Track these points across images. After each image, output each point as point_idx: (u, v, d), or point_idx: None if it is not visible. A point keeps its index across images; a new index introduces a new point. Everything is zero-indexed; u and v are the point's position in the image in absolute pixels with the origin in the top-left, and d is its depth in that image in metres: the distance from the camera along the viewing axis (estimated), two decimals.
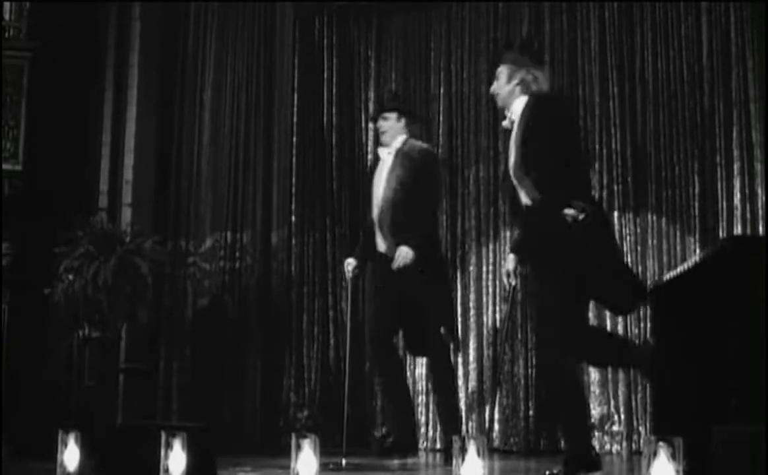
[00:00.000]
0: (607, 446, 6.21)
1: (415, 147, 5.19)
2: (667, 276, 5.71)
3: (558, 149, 3.97)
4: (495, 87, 4.37)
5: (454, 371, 5.45)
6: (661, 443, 2.59)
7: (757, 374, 3.77)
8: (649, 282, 6.24)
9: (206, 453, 3.57)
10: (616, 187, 6.49)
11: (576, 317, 4.01)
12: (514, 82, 4.27)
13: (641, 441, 5.84)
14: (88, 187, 6.34)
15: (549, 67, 6.72)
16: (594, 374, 6.34)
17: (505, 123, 4.30)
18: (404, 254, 4.87)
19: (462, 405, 6.26)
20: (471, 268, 6.61)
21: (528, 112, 4.13)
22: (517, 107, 4.22)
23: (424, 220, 5.04)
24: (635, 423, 6.20)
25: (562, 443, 4.50)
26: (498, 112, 6.75)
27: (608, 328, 6.29)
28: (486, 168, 6.73)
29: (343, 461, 4.77)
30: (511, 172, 4.17)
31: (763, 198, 6.17)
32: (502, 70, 4.35)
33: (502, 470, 4.82)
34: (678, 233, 6.36)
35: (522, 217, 4.16)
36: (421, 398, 6.60)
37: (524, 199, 4.10)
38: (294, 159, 7.00)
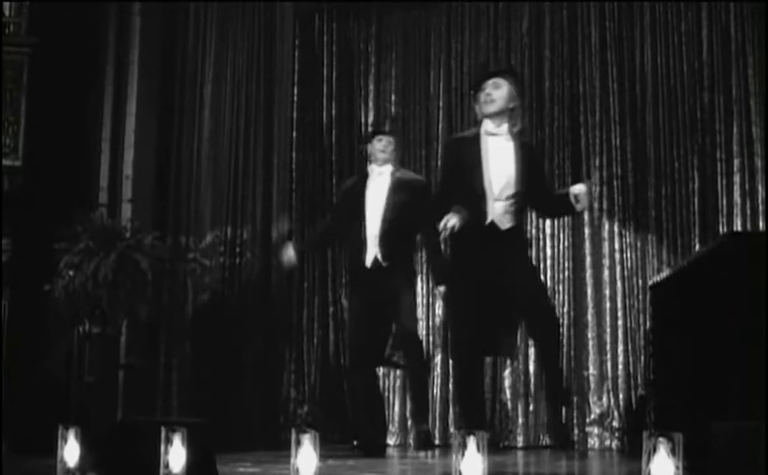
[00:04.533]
0: (607, 442, 6.22)
1: (411, 177, 5.61)
2: (666, 272, 5.71)
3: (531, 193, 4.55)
4: (496, 95, 4.41)
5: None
6: (660, 439, 2.59)
7: (757, 369, 3.77)
8: (648, 278, 6.26)
9: (206, 449, 3.57)
10: (615, 183, 6.50)
11: None
12: (513, 104, 4.50)
13: (641, 437, 5.85)
14: (87, 183, 6.33)
15: (549, 63, 6.75)
16: (593, 370, 6.35)
17: (489, 128, 4.41)
18: None
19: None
20: None
21: (530, 155, 4.52)
22: (505, 128, 4.47)
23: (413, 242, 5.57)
24: (634, 419, 6.20)
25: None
26: None
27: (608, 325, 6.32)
28: None
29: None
30: (498, 189, 4.28)
31: (763, 194, 6.17)
32: (505, 85, 4.44)
33: (502, 465, 4.82)
34: (678, 229, 6.36)
35: (490, 238, 4.34)
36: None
37: (497, 221, 4.33)
38: (294, 155, 7.01)
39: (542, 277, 5.94)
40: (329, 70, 7.14)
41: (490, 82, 4.48)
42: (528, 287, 4.38)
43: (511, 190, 4.36)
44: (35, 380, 5.78)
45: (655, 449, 2.60)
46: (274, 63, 6.94)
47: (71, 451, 3.63)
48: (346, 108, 7.11)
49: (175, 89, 6.77)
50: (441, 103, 6.93)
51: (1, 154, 5.60)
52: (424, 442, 5.35)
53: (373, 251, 5.35)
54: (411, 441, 6.09)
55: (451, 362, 6.11)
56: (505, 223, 4.33)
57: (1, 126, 5.62)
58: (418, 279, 6.08)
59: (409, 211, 5.33)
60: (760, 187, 6.20)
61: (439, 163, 5.94)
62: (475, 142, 4.44)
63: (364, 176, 5.58)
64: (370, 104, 7.11)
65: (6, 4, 5.80)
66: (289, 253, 5.71)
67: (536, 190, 4.55)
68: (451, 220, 4.31)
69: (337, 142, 7.05)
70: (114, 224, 5.90)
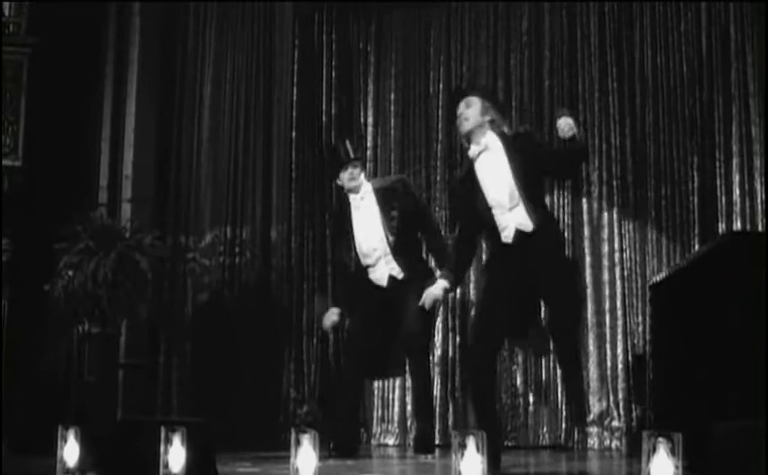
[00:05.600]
0: (607, 442, 6.22)
1: (389, 182, 5.61)
2: (666, 272, 5.71)
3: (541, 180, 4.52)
4: (468, 112, 4.43)
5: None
6: (660, 439, 2.60)
7: (757, 369, 3.77)
8: (648, 278, 6.26)
9: (206, 448, 3.57)
10: (615, 183, 6.49)
11: None
12: (488, 117, 4.44)
13: (640, 437, 5.86)
14: (87, 182, 6.34)
15: (548, 63, 6.75)
16: (593, 369, 6.35)
17: (474, 151, 4.42)
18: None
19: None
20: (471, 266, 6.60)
21: (522, 146, 4.40)
22: (488, 141, 4.40)
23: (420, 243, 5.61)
24: (634, 419, 6.20)
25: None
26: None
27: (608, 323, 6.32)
28: None
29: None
30: (505, 200, 4.27)
31: (763, 194, 6.17)
32: (475, 102, 4.44)
33: (502, 465, 4.82)
34: (678, 229, 6.36)
35: (521, 243, 4.29)
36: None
37: (521, 224, 4.27)
38: (293, 154, 7.00)
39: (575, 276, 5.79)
40: (329, 70, 7.13)
41: (462, 103, 4.48)
42: (553, 289, 4.33)
43: (517, 194, 4.33)
44: (35, 380, 5.78)
45: (655, 449, 2.60)
46: (274, 63, 6.94)
47: (71, 451, 3.63)
48: (346, 108, 7.11)
49: (174, 89, 6.78)
50: (441, 103, 6.92)
51: (1, 154, 5.60)
52: (424, 446, 5.33)
53: (385, 270, 5.35)
54: (411, 442, 6.09)
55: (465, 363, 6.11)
56: (530, 224, 4.30)
57: (1, 126, 5.62)
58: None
59: (407, 217, 5.39)
60: (759, 187, 6.19)
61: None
62: (469, 171, 4.45)
63: (346, 207, 5.55)
64: (370, 104, 7.11)
65: (6, 4, 5.80)
66: (332, 317, 5.55)
67: (546, 168, 4.51)
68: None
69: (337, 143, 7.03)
70: (114, 224, 5.90)
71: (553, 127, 6.58)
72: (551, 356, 6.41)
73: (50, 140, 5.88)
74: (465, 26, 6.94)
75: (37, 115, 5.78)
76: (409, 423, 6.47)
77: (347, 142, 5.71)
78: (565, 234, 6.54)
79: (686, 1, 6.51)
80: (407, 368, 5.55)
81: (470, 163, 4.45)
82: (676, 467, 2.57)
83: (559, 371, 5.54)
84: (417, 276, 5.25)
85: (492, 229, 4.36)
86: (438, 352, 6.59)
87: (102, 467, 3.62)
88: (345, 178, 5.47)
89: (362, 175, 5.53)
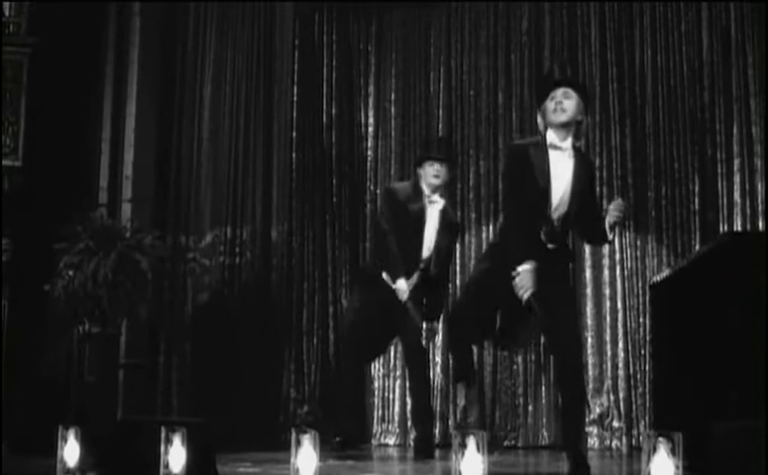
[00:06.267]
0: (607, 442, 6.22)
1: (454, 218, 5.66)
2: (666, 272, 5.71)
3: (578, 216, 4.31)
4: (567, 105, 4.18)
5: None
6: (660, 439, 2.60)
7: (757, 369, 3.77)
8: (648, 278, 6.26)
9: (206, 448, 3.57)
10: (615, 183, 6.50)
11: None
12: (580, 117, 4.25)
13: (641, 437, 5.85)
14: (87, 183, 6.33)
15: (548, 63, 6.74)
16: (593, 370, 6.35)
17: (555, 140, 4.21)
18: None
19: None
20: (471, 262, 6.61)
21: (588, 173, 4.30)
22: (567, 145, 4.22)
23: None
24: (635, 419, 6.20)
25: None
26: (498, 109, 6.79)
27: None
28: (486, 163, 6.74)
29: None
30: (564, 208, 4.18)
31: (763, 194, 6.18)
32: (575, 96, 4.22)
33: (502, 465, 4.83)
34: (678, 229, 6.36)
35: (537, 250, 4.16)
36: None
37: (549, 240, 4.17)
38: (294, 155, 7.00)
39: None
40: (329, 70, 7.13)
41: (560, 91, 4.21)
42: (557, 317, 4.15)
43: (564, 209, 4.17)
44: (35, 380, 5.78)
45: (655, 449, 2.60)
46: (274, 63, 6.94)
47: (71, 451, 3.63)
48: (346, 108, 7.11)
49: (175, 89, 6.77)
50: (441, 103, 6.93)
51: (1, 154, 5.60)
52: (424, 449, 5.31)
53: (408, 284, 5.25)
54: (411, 443, 6.09)
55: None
56: (552, 242, 4.20)
57: (1, 126, 5.62)
58: None
59: (449, 252, 5.55)
60: (760, 187, 6.20)
61: (504, 169, 5.58)
62: (542, 149, 4.20)
63: (419, 194, 5.38)
64: (370, 104, 7.11)
65: (6, 4, 5.80)
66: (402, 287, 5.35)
67: (586, 211, 4.29)
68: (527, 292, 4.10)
69: (337, 142, 7.04)
70: (114, 224, 5.90)
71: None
72: (551, 356, 6.44)
73: (50, 140, 5.88)
74: (465, 26, 6.94)
75: (37, 115, 5.77)
76: (409, 424, 6.47)
77: (444, 139, 5.88)
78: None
79: (686, 1, 6.52)
80: (407, 370, 5.58)
81: (543, 144, 4.22)
82: (677, 467, 2.57)
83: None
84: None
85: (535, 211, 4.16)
86: (439, 351, 6.60)
87: (102, 467, 3.62)
88: (429, 172, 5.31)
89: (445, 181, 5.39)
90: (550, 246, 4.16)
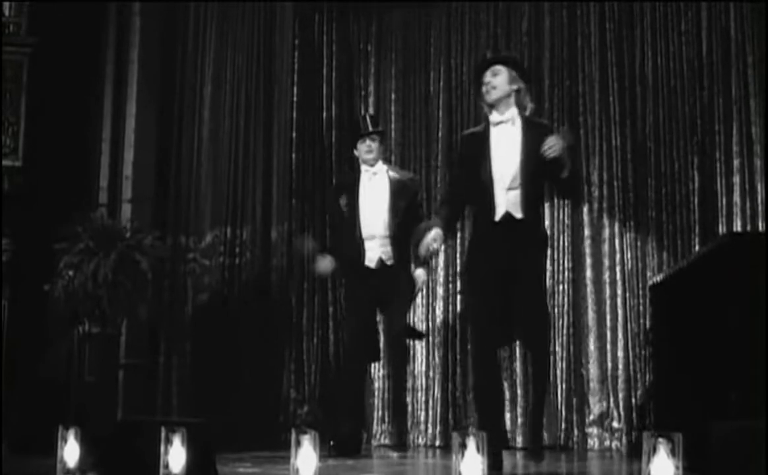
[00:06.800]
0: (607, 442, 6.22)
1: (406, 177, 5.77)
2: (666, 272, 5.72)
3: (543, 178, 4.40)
4: (495, 81, 4.38)
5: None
6: (660, 439, 2.60)
7: (757, 369, 3.77)
8: (648, 278, 6.26)
9: (206, 449, 3.57)
10: (615, 183, 6.50)
11: None
12: (515, 86, 4.41)
13: (641, 437, 5.85)
14: (87, 182, 6.33)
15: (548, 63, 6.75)
16: (593, 370, 6.35)
17: (494, 118, 4.38)
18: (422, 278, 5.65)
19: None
20: None
21: (540, 135, 4.32)
22: (512, 115, 4.37)
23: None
24: (634, 419, 6.20)
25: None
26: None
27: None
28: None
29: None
30: (508, 178, 4.24)
31: (763, 194, 6.17)
32: (503, 71, 4.40)
33: (503, 465, 4.82)
34: (678, 229, 6.36)
35: (508, 227, 4.27)
36: (419, 395, 6.62)
37: (512, 211, 4.25)
38: (294, 155, 7.00)
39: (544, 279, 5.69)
40: (329, 70, 7.14)
41: (488, 71, 4.43)
42: (526, 291, 4.28)
43: (520, 178, 4.26)
44: (35, 380, 5.77)
45: (655, 449, 2.60)
46: (274, 63, 6.94)
47: (71, 451, 3.62)
48: (346, 108, 7.11)
49: (175, 89, 6.77)
50: (441, 103, 6.93)
51: (1, 154, 5.60)
52: (396, 442, 5.46)
53: (378, 252, 5.46)
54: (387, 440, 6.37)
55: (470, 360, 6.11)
56: (518, 212, 4.26)
57: (1, 126, 5.62)
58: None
59: (410, 213, 5.52)
60: (759, 187, 6.20)
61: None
62: (483, 134, 4.39)
63: (356, 175, 5.68)
64: (370, 104, 7.10)
65: (6, 4, 5.80)
66: (325, 263, 5.75)
67: (546, 172, 4.36)
68: (434, 244, 4.31)
69: (337, 142, 7.04)
70: (114, 224, 5.90)
71: (553, 127, 6.65)
72: (550, 356, 6.43)
73: (50, 140, 5.88)
74: (465, 26, 6.94)
75: (37, 115, 5.77)
76: (409, 424, 6.48)
77: (368, 115, 5.92)
78: (566, 234, 6.55)
79: (686, 1, 6.52)
80: (386, 355, 5.75)
81: (486, 128, 4.40)
82: (677, 467, 2.57)
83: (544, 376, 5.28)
84: (405, 266, 5.47)
85: (486, 203, 4.30)
86: (439, 353, 6.61)
87: (102, 467, 3.61)
88: (362, 149, 5.61)
89: (379, 152, 5.64)
90: (518, 216, 4.26)
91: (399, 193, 5.56)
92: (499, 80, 4.40)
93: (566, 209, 6.56)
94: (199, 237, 6.65)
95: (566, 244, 6.53)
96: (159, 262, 6.01)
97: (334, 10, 7.19)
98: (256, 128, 6.84)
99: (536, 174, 4.30)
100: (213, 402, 6.12)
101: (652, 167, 6.46)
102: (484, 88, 4.43)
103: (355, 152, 5.71)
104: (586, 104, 6.61)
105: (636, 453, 5.55)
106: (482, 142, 4.37)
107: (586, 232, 6.52)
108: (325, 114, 7.07)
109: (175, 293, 6.57)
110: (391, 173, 5.65)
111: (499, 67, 4.43)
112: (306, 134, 7.03)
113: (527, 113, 4.48)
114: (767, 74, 6.21)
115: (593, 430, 6.26)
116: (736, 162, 6.26)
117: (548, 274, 6.49)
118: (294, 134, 7.00)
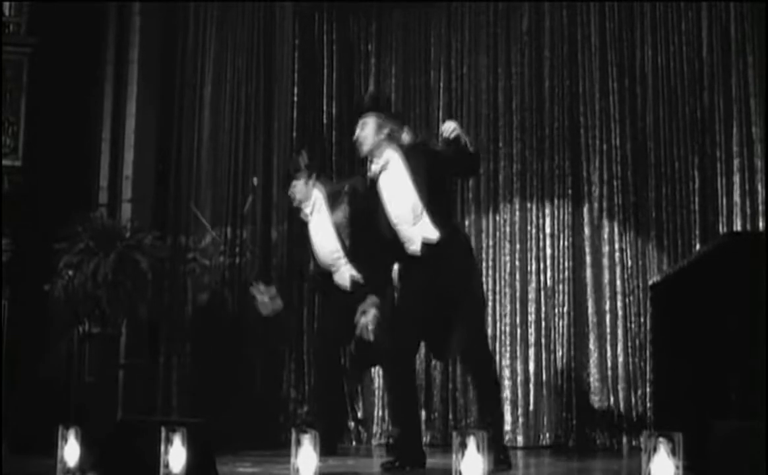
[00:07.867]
0: (607, 442, 6.22)
1: (339, 186, 5.63)
2: (666, 272, 5.71)
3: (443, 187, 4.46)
4: (362, 135, 4.46)
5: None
6: (660, 439, 2.60)
7: (757, 369, 3.77)
8: (648, 278, 6.26)
9: (206, 448, 3.57)
10: (615, 183, 6.50)
11: None
12: (384, 131, 4.44)
13: (641, 437, 5.85)
14: (87, 182, 6.33)
15: (548, 63, 6.75)
16: (593, 370, 6.35)
17: (375, 168, 4.45)
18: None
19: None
20: None
21: (419, 158, 4.37)
22: (388, 156, 4.41)
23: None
24: (635, 419, 6.20)
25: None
26: (498, 108, 6.79)
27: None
28: (485, 163, 6.73)
29: None
30: (408, 214, 4.30)
31: (763, 194, 6.17)
32: (369, 122, 4.45)
33: (503, 465, 4.81)
34: (678, 229, 6.36)
35: (427, 254, 4.30)
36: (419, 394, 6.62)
37: (426, 237, 4.28)
38: (294, 155, 6.99)
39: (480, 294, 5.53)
40: (329, 70, 7.13)
41: (357, 126, 4.49)
42: (464, 318, 4.28)
43: (420, 207, 4.31)
44: (35, 380, 5.78)
45: (655, 449, 2.60)
46: (274, 63, 6.94)
47: (71, 451, 3.63)
48: (346, 108, 7.11)
49: (175, 89, 6.77)
50: (441, 103, 6.93)
51: (1, 154, 5.60)
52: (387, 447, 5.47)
53: (346, 273, 5.39)
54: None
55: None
56: (435, 234, 4.29)
57: (1, 126, 5.62)
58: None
59: (356, 221, 5.38)
60: (760, 187, 6.20)
61: None
62: (372, 191, 4.46)
63: (304, 225, 5.62)
64: None
65: (6, 4, 5.80)
66: (276, 302, 5.69)
67: (443, 172, 4.45)
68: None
69: (337, 142, 7.04)
70: (114, 224, 5.90)
71: (553, 127, 6.66)
72: (550, 356, 6.44)
73: (50, 140, 5.88)
74: (465, 26, 6.94)
75: (37, 115, 5.78)
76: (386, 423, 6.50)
77: (300, 155, 5.75)
78: (566, 234, 6.55)
79: (686, 1, 6.52)
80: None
81: (373, 182, 4.44)
82: (677, 467, 2.57)
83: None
84: (378, 281, 5.17)
85: (400, 245, 4.37)
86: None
87: (102, 467, 3.62)
88: (294, 193, 5.55)
89: (309, 185, 5.53)
90: (434, 239, 4.28)
91: (334, 207, 5.46)
92: (366, 132, 4.45)
93: (566, 208, 6.55)
94: (199, 237, 6.65)
95: (566, 244, 6.53)
96: (159, 262, 6.01)
97: (334, 10, 7.18)
98: (256, 128, 6.84)
99: (434, 189, 4.34)
100: (213, 402, 6.12)
101: (652, 167, 6.46)
102: (356, 144, 4.52)
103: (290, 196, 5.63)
104: (586, 104, 6.61)
105: (636, 453, 5.56)
106: (373, 197, 4.42)
107: (586, 231, 6.52)
108: (325, 113, 7.07)
109: (175, 292, 6.57)
110: (324, 192, 5.54)
111: (366, 119, 4.46)
112: (306, 134, 7.03)
113: (405, 141, 4.49)
114: (767, 74, 6.20)
115: (593, 430, 6.25)
116: (736, 162, 6.26)
117: (548, 274, 6.51)
118: (294, 134, 7.00)
